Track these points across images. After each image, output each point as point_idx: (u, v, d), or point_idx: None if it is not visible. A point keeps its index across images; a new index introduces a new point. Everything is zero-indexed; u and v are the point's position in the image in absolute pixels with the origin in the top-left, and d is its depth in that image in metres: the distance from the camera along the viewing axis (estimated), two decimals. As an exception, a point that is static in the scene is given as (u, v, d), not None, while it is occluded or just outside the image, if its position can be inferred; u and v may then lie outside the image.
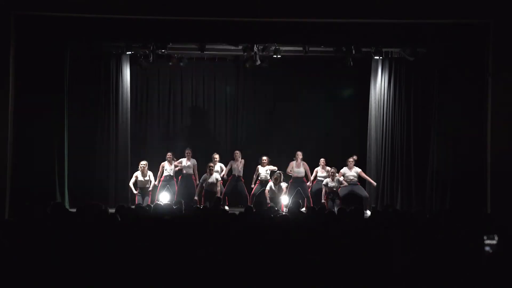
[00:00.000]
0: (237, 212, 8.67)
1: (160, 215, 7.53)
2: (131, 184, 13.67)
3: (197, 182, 13.93)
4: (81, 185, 13.72)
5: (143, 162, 13.73)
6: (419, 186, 13.59)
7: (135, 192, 13.59)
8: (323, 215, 8.44)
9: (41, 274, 4.98)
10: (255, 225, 6.76)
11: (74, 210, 8.71)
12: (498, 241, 5.12)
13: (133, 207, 10.59)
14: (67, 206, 12.33)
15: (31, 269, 5.01)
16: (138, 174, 13.68)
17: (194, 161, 14.11)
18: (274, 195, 13.38)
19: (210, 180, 13.63)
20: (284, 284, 4.91)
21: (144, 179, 13.65)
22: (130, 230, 6.18)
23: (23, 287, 4.91)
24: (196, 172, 14.09)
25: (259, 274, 4.97)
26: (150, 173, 13.75)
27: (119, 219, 6.74)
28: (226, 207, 13.32)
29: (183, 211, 9.28)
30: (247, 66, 13.91)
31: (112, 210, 8.36)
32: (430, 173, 13.19)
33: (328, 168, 13.86)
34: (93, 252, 5.29)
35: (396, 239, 5.98)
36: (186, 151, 14.11)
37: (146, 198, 13.59)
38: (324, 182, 13.64)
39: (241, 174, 14.15)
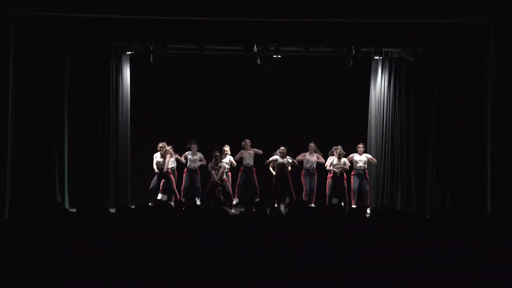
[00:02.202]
0: (237, 213, 8.67)
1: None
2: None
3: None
4: (81, 185, 13.73)
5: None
6: (419, 186, 13.59)
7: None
8: (323, 214, 8.43)
9: (41, 274, 4.98)
10: (255, 226, 6.76)
11: (74, 210, 8.71)
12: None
13: (133, 207, 10.60)
14: (67, 206, 12.34)
15: (31, 269, 5.01)
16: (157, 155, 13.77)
17: (200, 155, 14.06)
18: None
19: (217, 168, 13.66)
20: (283, 284, 4.91)
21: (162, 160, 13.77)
22: (130, 230, 6.18)
23: (23, 287, 4.91)
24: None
25: (259, 274, 4.97)
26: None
27: (119, 219, 6.74)
28: (235, 201, 13.59)
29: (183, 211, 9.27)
30: (247, 66, 13.92)
31: (112, 210, 8.37)
32: (430, 173, 13.20)
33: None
34: (93, 252, 5.29)
35: (396, 239, 5.99)
36: (192, 146, 14.08)
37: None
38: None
39: (252, 164, 14.14)
